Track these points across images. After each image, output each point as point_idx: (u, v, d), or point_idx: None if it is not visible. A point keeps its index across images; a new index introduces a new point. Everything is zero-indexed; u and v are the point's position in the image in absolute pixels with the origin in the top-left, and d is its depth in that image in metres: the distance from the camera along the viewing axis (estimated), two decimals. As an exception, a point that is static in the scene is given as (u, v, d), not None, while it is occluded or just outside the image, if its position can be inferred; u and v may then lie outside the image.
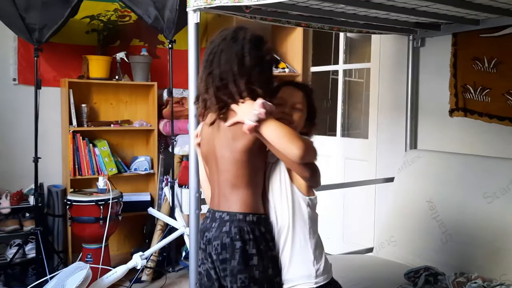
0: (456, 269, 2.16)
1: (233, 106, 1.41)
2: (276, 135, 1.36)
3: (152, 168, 3.65)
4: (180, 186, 3.35)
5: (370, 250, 2.85)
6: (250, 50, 1.44)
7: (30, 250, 3.04)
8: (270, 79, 1.51)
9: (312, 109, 1.60)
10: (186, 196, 3.29)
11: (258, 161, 1.47)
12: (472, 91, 2.66)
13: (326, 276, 1.48)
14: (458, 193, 2.38)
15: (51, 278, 2.63)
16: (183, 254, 3.53)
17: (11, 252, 3.04)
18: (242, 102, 1.40)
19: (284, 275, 1.46)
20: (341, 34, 3.82)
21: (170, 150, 3.44)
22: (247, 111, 1.36)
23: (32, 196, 3.05)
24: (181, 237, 3.17)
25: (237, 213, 1.43)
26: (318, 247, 1.50)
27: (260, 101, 1.35)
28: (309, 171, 1.46)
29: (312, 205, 1.53)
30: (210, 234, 1.45)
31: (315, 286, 1.44)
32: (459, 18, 2.43)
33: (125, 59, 3.42)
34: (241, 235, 1.40)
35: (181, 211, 3.34)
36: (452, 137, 2.80)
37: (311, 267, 1.45)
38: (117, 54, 3.40)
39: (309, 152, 1.40)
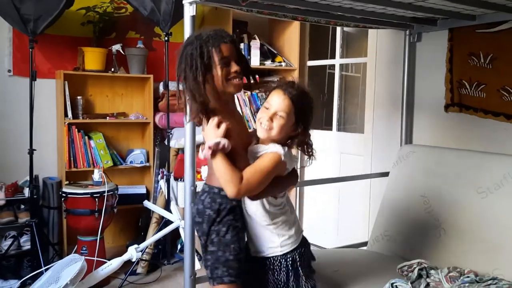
0: (449, 263, 2.17)
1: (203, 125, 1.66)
2: (218, 173, 1.57)
3: (147, 161, 3.65)
4: (176, 179, 3.35)
5: (364, 244, 2.87)
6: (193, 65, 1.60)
7: (25, 242, 3.04)
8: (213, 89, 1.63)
9: (302, 117, 1.63)
10: (181, 189, 3.29)
11: (238, 149, 1.64)
12: (467, 86, 2.67)
13: (291, 245, 1.73)
14: (452, 188, 2.39)
15: (46, 270, 2.63)
16: (178, 247, 3.54)
17: (6, 244, 3.04)
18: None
19: (253, 246, 1.75)
20: (338, 29, 3.82)
21: (166, 143, 3.44)
22: (207, 137, 1.60)
23: (27, 188, 3.05)
24: (176, 230, 3.18)
25: (215, 187, 1.68)
26: (283, 224, 1.72)
27: (208, 144, 1.54)
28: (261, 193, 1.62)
29: (271, 199, 1.68)
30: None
31: (280, 253, 1.71)
32: (456, 13, 2.43)
33: (121, 51, 3.41)
34: (211, 205, 1.67)
35: (177, 204, 3.34)
36: (447, 132, 2.81)
37: (276, 240, 1.71)
38: (113, 46, 3.38)
39: (251, 189, 1.56)
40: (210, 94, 1.62)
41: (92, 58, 3.30)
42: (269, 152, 1.59)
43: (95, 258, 2.86)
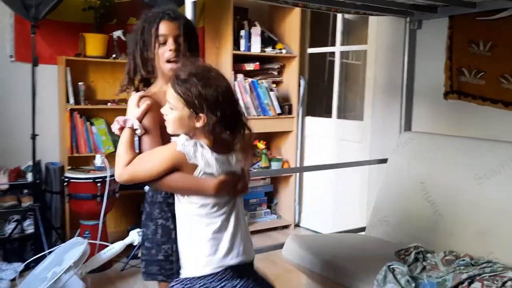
0: (445, 247, 2.22)
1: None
2: (116, 152, 1.46)
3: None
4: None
5: (362, 229, 2.91)
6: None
7: (28, 226, 3.08)
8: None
9: (196, 105, 1.33)
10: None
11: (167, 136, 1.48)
12: (466, 74, 2.69)
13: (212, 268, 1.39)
14: (450, 175, 2.42)
15: (49, 253, 2.67)
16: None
17: (9, 227, 3.08)
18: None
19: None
20: (339, 16, 3.82)
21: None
22: (127, 112, 1.52)
23: (30, 173, 3.08)
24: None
25: None
26: (203, 242, 1.39)
27: (117, 118, 1.48)
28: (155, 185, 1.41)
29: (193, 205, 1.40)
30: None
31: (191, 276, 1.40)
32: (456, 1, 2.45)
33: (122, 37, 3.41)
34: (146, 198, 1.63)
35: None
36: (446, 119, 2.84)
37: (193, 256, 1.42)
38: (114, 33, 3.39)
39: (134, 175, 1.40)
40: (157, 73, 1.59)
41: (94, 44, 3.31)
42: (172, 140, 1.40)
43: (98, 242, 2.90)
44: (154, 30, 1.54)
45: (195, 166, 1.35)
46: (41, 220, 2.97)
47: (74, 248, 2.54)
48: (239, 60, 3.76)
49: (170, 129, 1.40)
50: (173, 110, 1.36)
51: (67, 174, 3.06)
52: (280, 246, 2.53)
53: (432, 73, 2.91)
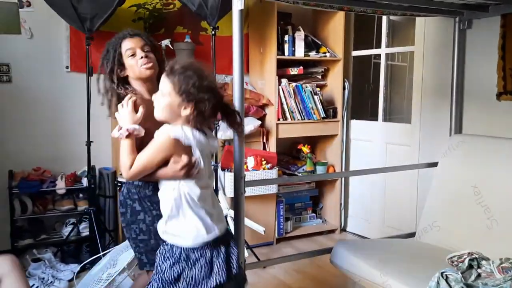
0: (501, 254, 2.13)
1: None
2: (120, 156, 1.66)
3: (195, 152, 3.76)
4: (223, 169, 3.44)
5: (412, 235, 2.85)
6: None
7: (84, 229, 3.23)
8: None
9: (186, 93, 1.57)
10: (229, 179, 3.38)
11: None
12: (521, 74, 2.59)
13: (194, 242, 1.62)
14: (504, 178, 2.34)
15: (103, 255, 2.79)
16: (226, 235, 3.63)
17: (66, 230, 3.23)
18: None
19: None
20: (384, 17, 3.77)
21: (214, 134, 3.52)
22: (122, 119, 1.75)
23: (85, 178, 3.23)
24: (224, 219, 3.27)
25: None
26: (189, 220, 1.63)
27: (126, 127, 1.68)
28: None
29: (179, 190, 1.62)
30: None
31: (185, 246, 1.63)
32: (509, -1, 2.36)
33: (170, 46, 3.51)
34: (129, 195, 1.83)
35: (224, 194, 3.43)
36: (499, 121, 2.74)
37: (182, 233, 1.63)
38: (162, 42, 3.49)
39: (136, 173, 1.63)
40: (134, 83, 1.89)
41: (143, 53, 3.43)
42: (158, 133, 1.60)
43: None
44: (119, 48, 1.87)
45: (188, 148, 1.59)
46: (96, 223, 3.10)
47: (127, 251, 2.64)
48: (283, 65, 3.78)
49: (157, 114, 1.62)
50: (165, 97, 1.59)
51: (120, 179, 3.18)
52: (328, 250, 2.52)
53: (483, 73, 2.82)
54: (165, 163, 1.60)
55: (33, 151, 3.34)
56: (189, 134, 1.57)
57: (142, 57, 1.84)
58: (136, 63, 1.85)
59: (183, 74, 1.57)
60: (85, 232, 3.22)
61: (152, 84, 1.88)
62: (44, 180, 3.22)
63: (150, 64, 1.85)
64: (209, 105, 1.56)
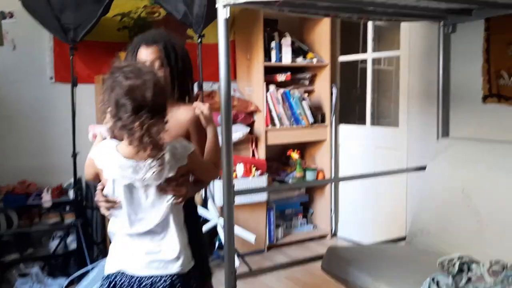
0: (491, 257, 2.13)
1: None
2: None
3: (184, 160, 3.73)
4: (212, 178, 3.41)
5: (402, 239, 2.85)
6: None
7: (71, 242, 3.17)
8: None
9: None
10: (218, 188, 3.35)
11: None
12: (506, 77, 2.61)
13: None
14: (493, 181, 2.35)
15: (92, 268, 2.74)
16: (216, 244, 3.60)
17: (53, 243, 3.17)
18: None
19: None
20: (370, 23, 3.78)
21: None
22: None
23: (72, 190, 3.18)
24: (213, 228, 3.24)
25: None
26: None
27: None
28: None
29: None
30: None
31: None
32: (492, 3, 2.38)
33: (156, 54, 3.49)
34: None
35: (214, 202, 3.40)
36: (485, 124, 2.76)
37: None
38: (148, 50, 3.47)
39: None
40: None
41: (129, 63, 3.40)
42: None
43: (138, 256, 2.95)
44: (135, 55, 1.68)
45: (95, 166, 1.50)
46: (83, 236, 3.05)
47: (116, 263, 2.59)
48: (270, 71, 3.77)
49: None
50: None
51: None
52: (319, 257, 2.51)
53: (468, 77, 2.84)
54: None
55: (18, 164, 3.28)
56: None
57: None
58: None
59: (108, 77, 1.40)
60: (73, 245, 3.16)
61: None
62: (30, 193, 3.16)
63: None
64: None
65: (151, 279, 1.43)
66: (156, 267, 1.44)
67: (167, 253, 1.45)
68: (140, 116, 1.32)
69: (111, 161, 1.41)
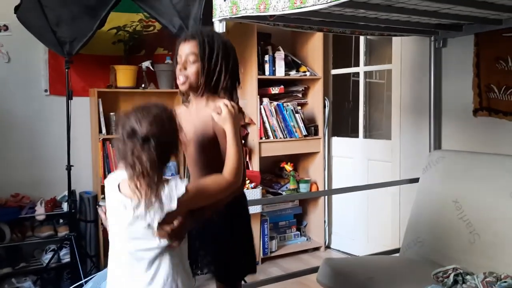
0: (484, 268, 2.17)
1: None
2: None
3: (178, 173, 3.73)
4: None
5: (396, 251, 2.87)
6: None
7: (65, 255, 3.14)
8: None
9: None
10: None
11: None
12: (496, 90, 2.67)
13: None
14: (485, 193, 2.38)
15: (85, 282, 2.72)
16: (211, 257, 3.59)
17: (46, 257, 3.14)
18: None
19: None
20: (362, 37, 3.85)
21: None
22: None
23: (66, 203, 3.16)
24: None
25: None
26: None
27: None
28: None
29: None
30: None
31: None
32: (482, 19, 2.44)
33: (151, 67, 3.51)
34: None
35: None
36: (476, 137, 2.81)
37: None
38: (143, 63, 3.49)
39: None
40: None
41: (124, 76, 3.42)
42: None
43: (132, 269, 2.93)
44: (177, 52, 1.69)
45: None
46: (77, 249, 3.03)
47: (110, 277, 2.57)
48: (264, 84, 3.81)
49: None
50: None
51: (101, 203, 3.13)
52: (314, 270, 2.52)
53: (459, 90, 2.89)
54: None
55: (11, 176, 3.26)
56: None
57: (179, 69, 1.66)
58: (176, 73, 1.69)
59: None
60: (66, 259, 3.13)
61: (192, 96, 1.72)
62: (23, 206, 3.14)
63: (181, 80, 1.66)
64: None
65: None
66: None
67: None
68: (132, 142, 1.31)
69: (109, 193, 1.42)
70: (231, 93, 1.67)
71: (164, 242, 1.36)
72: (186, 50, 1.64)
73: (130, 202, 1.34)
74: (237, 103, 1.63)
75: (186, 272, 1.47)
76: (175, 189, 1.34)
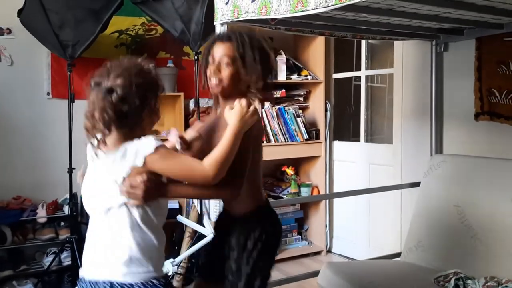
0: (486, 273, 2.16)
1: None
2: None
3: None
4: (208, 193, 3.41)
5: (397, 255, 2.87)
6: None
7: (66, 258, 3.14)
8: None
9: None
10: (213, 204, 3.35)
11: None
12: (497, 94, 2.67)
13: None
14: (486, 197, 2.38)
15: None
16: (211, 260, 3.59)
17: (47, 260, 3.14)
18: None
19: None
20: (363, 41, 3.85)
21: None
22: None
23: (67, 206, 3.16)
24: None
25: None
26: None
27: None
28: None
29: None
30: None
31: None
32: (483, 23, 2.45)
33: (152, 71, 3.52)
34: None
35: (209, 218, 3.40)
36: (478, 141, 2.80)
37: None
38: (145, 67, 3.50)
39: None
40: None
41: (126, 79, 3.42)
42: None
43: (133, 273, 2.93)
44: (209, 52, 1.63)
45: None
46: (78, 252, 3.03)
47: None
48: (265, 88, 3.81)
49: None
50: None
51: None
52: (315, 274, 2.51)
53: (461, 94, 2.89)
54: None
55: (13, 179, 3.27)
56: None
57: (212, 71, 1.60)
58: (208, 75, 1.63)
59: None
60: (67, 262, 3.13)
61: (222, 99, 1.66)
62: (25, 208, 3.14)
63: (214, 82, 1.60)
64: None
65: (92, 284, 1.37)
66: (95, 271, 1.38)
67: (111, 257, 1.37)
68: (96, 92, 1.33)
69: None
70: (261, 96, 1.62)
71: (123, 198, 1.35)
72: (221, 51, 1.59)
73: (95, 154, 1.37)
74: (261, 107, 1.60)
75: (156, 249, 1.44)
76: (144, 147, 1.33)
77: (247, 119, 1.46)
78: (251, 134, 1.50)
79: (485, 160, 2.55)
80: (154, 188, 1.38)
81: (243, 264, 1.62)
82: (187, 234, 3.47)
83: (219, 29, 2.21)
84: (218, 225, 1.85)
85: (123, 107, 1.31)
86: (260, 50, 1.60)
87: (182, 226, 3.54)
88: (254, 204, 1.67)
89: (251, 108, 1.48)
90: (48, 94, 3.41)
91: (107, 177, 1.37)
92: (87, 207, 1.46)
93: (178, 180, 1.47)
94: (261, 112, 3.74)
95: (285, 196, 3.90)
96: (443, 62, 2.97)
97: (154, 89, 1.39)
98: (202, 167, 1.37)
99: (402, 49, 3.37)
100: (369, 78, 3.95)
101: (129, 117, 1.34)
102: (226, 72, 1.58)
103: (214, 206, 3.26)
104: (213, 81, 1.60)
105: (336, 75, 4.14)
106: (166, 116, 3.83)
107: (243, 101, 1.48)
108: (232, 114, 1.46)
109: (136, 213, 1.37)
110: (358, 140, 3.92)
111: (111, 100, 1.30)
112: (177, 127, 3.77)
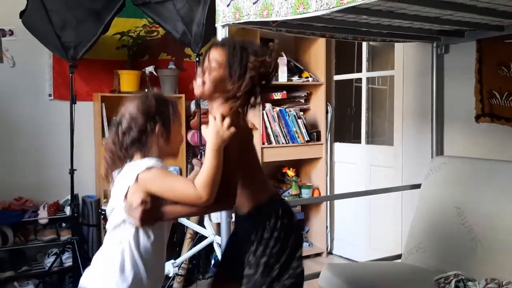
0: (486, 275, 2.16)
1: None
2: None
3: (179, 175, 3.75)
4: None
5: (398, 257, 2.87)
6: None
7: (67, 259, 3.15)
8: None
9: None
10: (214, 205, 3.36)
11: None
12: (498, 96, 2.67)
13: None
14: (487, 199, 2.38)
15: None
16: (212, 261, 3.60)
17: (49, 261, 3.15)
18: None
19: None
20: (364, 43, 3.86)
21: (198, 160, 3.52)
22: None
23: (68, 207, 3.17)
24: (209, 245, 3.24)
25: None
26: None
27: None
28: None
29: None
30: None
31: None
32: (483, 25, 2.45)
33: (154, 72, 3.53)
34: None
35: (210, 219, 3.41)
36: (478, 143, 2.81)
37: None
38: (146, 68, 3.51)
39: None
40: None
41: (128, 80, 3.44)
42: None
43: (134, 274, 2.93)
44: (204, 56, 1.65)
45: None
46: (79, 253, 3.04)
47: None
48: (266, 90, 3.82)
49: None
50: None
51: (104, 207, 3.14)
52: (316, 275, 2.52)
53: (462, 96, 2.89)
54: None
55: (14, 180, 3.28)
56: None
57: (199, 72, 1.62)
58: None
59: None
60: (68, 263, 3.14)
61: (214, 104, 1.65)
62: (26, 209, 3.15)
63: (197, 83, 1.61)
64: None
65: None
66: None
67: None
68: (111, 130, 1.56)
69: None
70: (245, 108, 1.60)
71: (124, 215, 1.43)
72: (212, 55, 1.60)
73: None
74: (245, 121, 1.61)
75: (151, 266, 1.48)
76: (138, 165, 1.43)
77: (223, 134, 1.45)
78: (233, 146, 1.48)
79: (486, 162, 2.55)
80: (151, 212, 1.42)
81: (259, 256, 1.63)
82: (188, 236, 3.48)
83: (221, 31, 2.22)
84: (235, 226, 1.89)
85: (132, 136, 1.47)
86: (249, 62, 1.55)
87: (183, 228, 3.55)
88: (255, 203, 1.68)
89: (225, 122, 1.46)
90: (50, 95, 3.42)
91: (113, 196, 1.49)
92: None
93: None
94: (262, 114, 3.75)
95: (286, 198, 3.90)
96: (444, 64, 2.98)
97: (153, 117, 1.49)
98: (195, 190, 1.40)
99: (403, 51, 3.38)
100: (370, 80, 3.96)
101: (135, 145, 1.47)
102: (210, 76, 1.58)
103: (215, 208, 3.26)
104: (197, 81, 1.62)
105: (337, 77, 4.15)
106: (167, 117, 3.83)
107: (218, 116, 1.47)
108: (208, 132, 1.46)
109: (130, 232, 1.44)
110: (359, 142, 3.92)
111: (117, 132, 1.50)
112: (178, 128, 3.77)
